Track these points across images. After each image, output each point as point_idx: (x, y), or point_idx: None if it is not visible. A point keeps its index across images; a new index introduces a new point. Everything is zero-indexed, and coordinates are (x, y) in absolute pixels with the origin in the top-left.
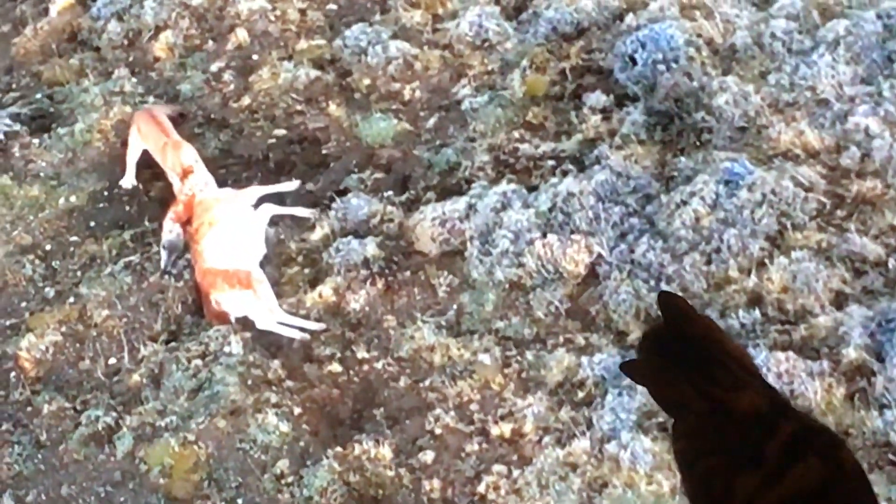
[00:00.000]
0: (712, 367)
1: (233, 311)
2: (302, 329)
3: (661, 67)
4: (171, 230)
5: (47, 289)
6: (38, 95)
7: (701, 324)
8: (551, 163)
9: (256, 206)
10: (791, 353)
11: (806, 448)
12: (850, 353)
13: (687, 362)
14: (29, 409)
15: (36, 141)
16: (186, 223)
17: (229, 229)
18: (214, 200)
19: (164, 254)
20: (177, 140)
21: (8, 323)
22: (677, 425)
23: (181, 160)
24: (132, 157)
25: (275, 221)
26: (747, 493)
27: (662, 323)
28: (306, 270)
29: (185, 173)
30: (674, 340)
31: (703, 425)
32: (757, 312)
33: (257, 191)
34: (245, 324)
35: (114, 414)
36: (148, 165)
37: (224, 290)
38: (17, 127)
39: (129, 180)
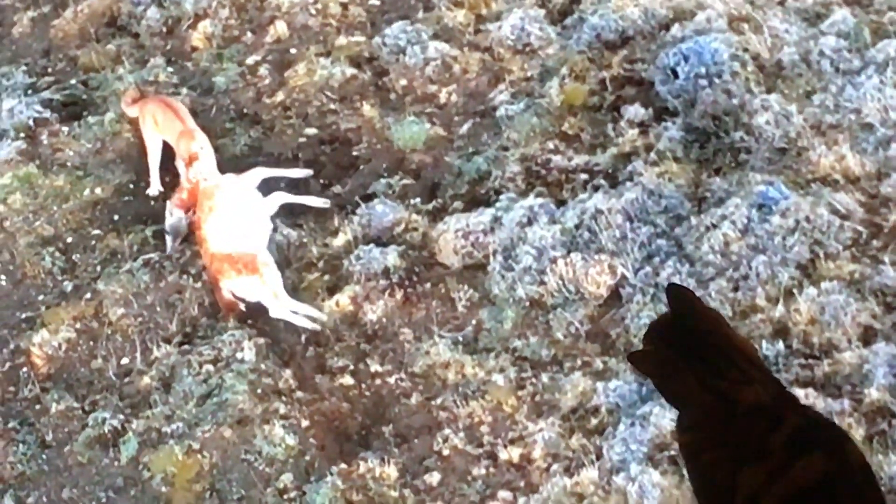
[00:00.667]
0: (718, 360)
1: (245, 298)
2: (311, 319)
3: (703, 82)
4: (172, 213)
5: (65, 282)
6: (73, 81)
7: (708, 317)
8: (584, 176)
9: (263, 189)
10: (812, 391)
11: (811, 442)
12: (873, 394)
13: (693, 355)
14: (37, 407)
15: (65, 129)
16: (190, 211)
17: (230, 212)
18: (215, 187)
19: (168, 239)
20: (192, 129)
21: (23, 316)
22: (682, 418)
23: (189, 147)
24: (154, 158)
25: (298, 224)
26: (752, 486)
27: (670, 314)
28: (326, 277)
29: (191, 160)
30: (681, 332)
31: (709, 418)
32: (781, 344)
33: (260, 172)
34: (260, 330)
35: (121, 417)
36: (172, 158)
37: (231, 276)
38: (47, 114)
39: (155, 187)
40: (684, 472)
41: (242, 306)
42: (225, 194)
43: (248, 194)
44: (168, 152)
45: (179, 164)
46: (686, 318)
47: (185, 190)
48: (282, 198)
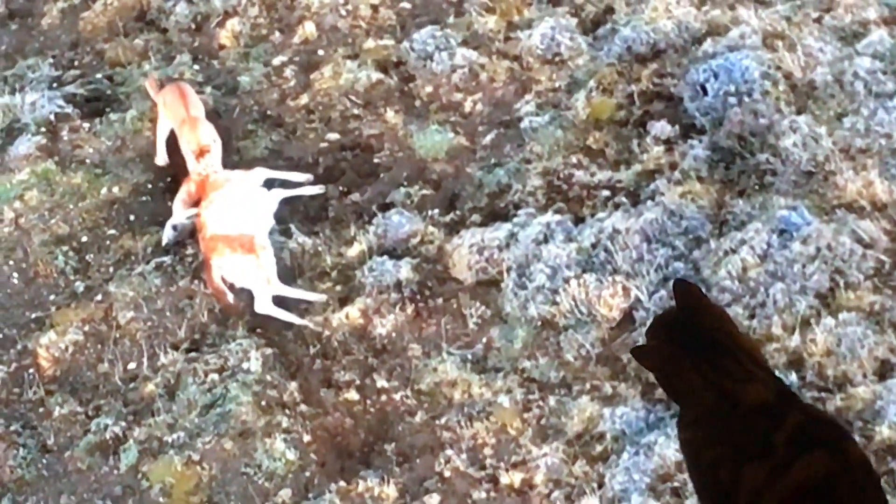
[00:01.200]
0: (722, 357)
1: (235, 282)
2: (302, 305)
3: (732, 100)
4: (185, 215)
5: (77, 283)
6: (99, 75)
7: (713, 314)
8: (605, 193)
9: (267, 188)
10: None
11: (812, 439)
12: (884, 431)
13: (697, 351)
14: (41, 410)
15: (86, 125)
16: (197, 204)
17: (235, 201)
18: (225, 180)
19: (170, 232)
20: (195, 116)
21: (33, 316)
22: (684, 414)
23: (198, 138)
24: (161, 135)
25: (315, 232)
26: (754, 483)
27: (675, 309)
28: (338, 288)
29: (202, 152)
30: (685, 328)
31: (711, 415)
32: (794, 376)
33: (263, 172)
34: (269, 340)
35: (123, 424)
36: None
37: (224, 253)
38: (69, 109)
39: (161, 158)
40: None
41: (230, 298)
42: (234, 186)
43: (255, 189)
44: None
45: (188, 155)
46: (691, 315)
47: (194, 182)
48: (280, 193)
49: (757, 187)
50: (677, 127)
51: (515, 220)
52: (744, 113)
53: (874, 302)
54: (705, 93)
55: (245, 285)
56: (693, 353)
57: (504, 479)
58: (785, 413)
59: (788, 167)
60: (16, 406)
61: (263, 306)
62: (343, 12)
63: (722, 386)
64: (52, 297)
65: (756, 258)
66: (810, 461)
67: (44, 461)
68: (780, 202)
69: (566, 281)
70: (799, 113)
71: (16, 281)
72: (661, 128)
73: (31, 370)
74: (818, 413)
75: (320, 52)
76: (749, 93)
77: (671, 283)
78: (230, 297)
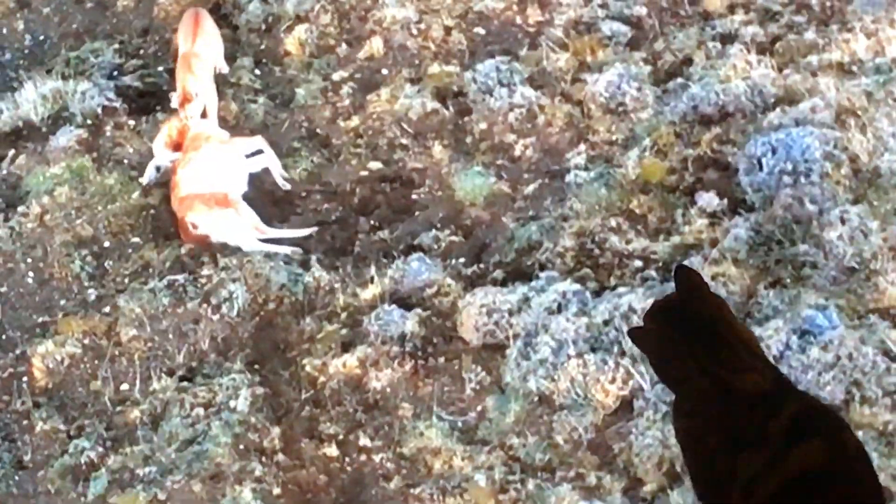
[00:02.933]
0: (720, 346)
1: (213, 235)
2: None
3: (788, 179)
4: (168, 157)
5: (90, 290)
6: (160, 68)
7: (713, 302)
8: (637, 263)
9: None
10: None
11: (809, 429)
12: None
13: (695, 339)
14: (25, 422)
15: (131, 122)
16: (177, 148)
17: (210, 165)
18: (205, 139)
19: (152, 172)
20: (196, 53)
21: (40, 320)
22: (679, 403)
23: (186, 83)
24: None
25: (336, 267)
26: (751, 471)
27: (675, 295)
28: (343, 331)
29: (185, 99)
30: (684, 315)
31: (707, 404)
32: None
33: (261, 143)
34: (263, 378)
35: (100, 449)
36: None
37: (201, 211)
38: (117, 103)
39: None
40: None
41: (213, 239)
42: (211, 150)
43: (235, 156)
44: None
45: (175, 95)
46: (691, 301)
47: (176, 128)
48: (265, 161)
49: (792, 279)
50: (726, 201)
51: (533, 283)
52: (795, 196)
53: (889, 421)
54: (761, 168)
55: (230, 239)
56: (690, 341)
57: None
58: (782, 402)
59: (830, 261)
60: (1, 415)
61: (251, 245)
62: (414, 31)
63: (718, 375)
64: (62, 303)
65: (771, 360)
66: (807, 450)
67: (16, 478)
68: (810, 300)
69: (569, 358)
70: (856, 202)
71: (30, 281)
72: (709, 199)
73: (25, 378)
74: (815, 403)
75: (383, 71)
76: (807, 173)
77: None
78: (213, 239)
